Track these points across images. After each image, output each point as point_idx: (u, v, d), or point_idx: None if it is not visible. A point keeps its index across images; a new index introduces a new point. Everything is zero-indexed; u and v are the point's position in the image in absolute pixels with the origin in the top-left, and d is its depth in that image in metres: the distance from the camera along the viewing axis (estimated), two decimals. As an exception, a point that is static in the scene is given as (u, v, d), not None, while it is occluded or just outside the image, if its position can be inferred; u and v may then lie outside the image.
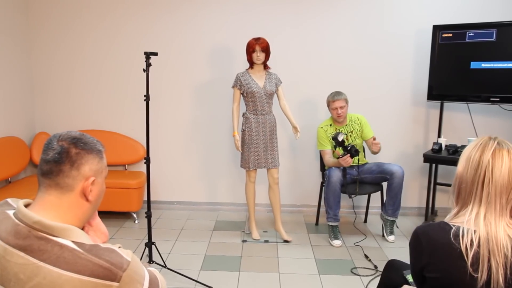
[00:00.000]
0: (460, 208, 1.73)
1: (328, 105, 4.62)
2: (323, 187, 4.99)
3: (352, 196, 4.54)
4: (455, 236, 1.61)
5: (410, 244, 1.79)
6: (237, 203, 5.56)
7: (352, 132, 4.69)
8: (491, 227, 1.60)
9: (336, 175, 4.42)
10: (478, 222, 1.63)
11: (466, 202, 1.70)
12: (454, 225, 1.65)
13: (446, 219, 1.75)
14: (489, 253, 1.57)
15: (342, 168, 4.49)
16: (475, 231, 1.60)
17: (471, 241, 1.59)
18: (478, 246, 1.58)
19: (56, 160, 1.36)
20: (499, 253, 1.56)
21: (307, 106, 5.34)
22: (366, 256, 4.21)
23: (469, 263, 1.57)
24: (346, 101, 4.57)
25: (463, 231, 1.61)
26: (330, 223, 4.55)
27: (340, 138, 4.25)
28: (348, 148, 4.30)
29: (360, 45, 5.23)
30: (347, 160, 4.30)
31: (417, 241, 1.73)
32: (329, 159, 4.66)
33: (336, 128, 4.67)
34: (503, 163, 1.64)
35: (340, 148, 4.37)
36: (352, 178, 4.61)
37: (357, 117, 4.74)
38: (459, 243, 1.60)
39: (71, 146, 1.38)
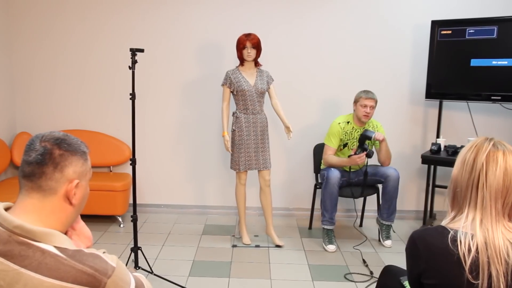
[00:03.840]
0: (456, 214, 1.73)
1: (357, 101, 4.55)
2: (318, 189, 5.01)
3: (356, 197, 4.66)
4: (453, 241, 1.61)
5: (406, 250, 1.80)
6: (227, 206, 5.57)
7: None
8: (489, 233, 1.60)
9: (335, 176, 4.42)
10: (474, 228, 1.63)
11: (461, 207, 1.70)
12: (451, 230, 1.65)
13: (443, 223, 1.75)
14: (489, 260, 1.56)
15: (349, 168, 4.60)
16: (472, 236, 1.61)
17: (469, 246, 1.59)
18: (477, 252, 1.58)
19: (38, 162, 1.36)
20: (499, 260, 1.56)
21: (300, 105, 5.35)
22: (364, 261, 4.23)
23: (467, 270, 1.57)
24: (376, 102, 4.54)
25: (460, 236, 1.61)
26: (325, 227, 4.56)
27: (370, 135, 4.36)
28: (367, 147, 4.41)
29: (355, 41, 5.26)
30: (363, 158, 4.40)
31: (414, 246, 1.73)
32: (330, 155, 4.64)
33: (353, 127, 4.65)
34: (497, 166, 1.63)
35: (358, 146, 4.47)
36: (347, 181, 4.62)
37: (376, 124, 4.73)
38: (457, 249, 1.60)
39: (54, 147, 1.38)
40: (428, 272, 1.69)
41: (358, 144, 4.47)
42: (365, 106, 4.48)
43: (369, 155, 4.40)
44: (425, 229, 1.73)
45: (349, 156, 4.49)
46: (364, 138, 4.39)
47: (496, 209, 1.63)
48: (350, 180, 4.62)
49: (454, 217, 1.73)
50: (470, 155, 1.69)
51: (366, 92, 4.52)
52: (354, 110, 4.62)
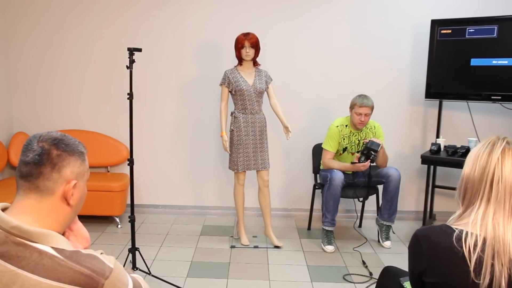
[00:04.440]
0: (465, 208, 1.72)
1: (352, 107, 4.54)
2: (317, 190, 5.01)
3: (360, 199, 4.64)
4: (458, 239, 1.62)
5: (409, 248, 1.81)
6: (225, 207, 5.57)
7: (366, 139, 4.67)
8: (499, 227, 1.61)
9: (338, 178, 4.42)
10: (485, 221, 1.63)
11: (472, 201, 1.69)
12: (457, 228, 1.66)
13: (449, 222, 1.75)
14: (494, 255, 1.56)
15: (352, 172, 4.63)
16: (479, 233, 1.61)
17: (475, 243, 1.59)
18: (482, 249, 1.58)
19: (36, 162, 1.36)
20: (505, 255, 1.56)
21: (299, 105, 5.35)
22: (364, 262, 4.23)
23: (472, 267, 1.57)
24: (372, 108, 4.50)
25: (466, 234, 1.61)
26: (327, 228, 4.56)
27: (376, 148, 4.33)
28: (371, 157, 4.37)
29: (354, 40, 5.27)
30: (367, 165, 4.41)
31: (417, 244, 1.74)
32: (330, 160, 4.64)
33: (351, 131, 4.64)
34: None
35: (360, 153, 4.44)
36: (347, 182, 4.61)
37: (374, 125, 4.72)
38: (462, 246, 1.60)
39: (52, 148, 1.38)
40: (430, 271, 1.69)
41: (361, 153, 4.43)
42: (360, 114, 4.47)
43: (372, 161, 4.41)
44: (429, 227, 1.73)
45: (352, 163, 4.49)
46: (369, 150, 4.36)
47: (510, 204, 1.63)
48: (354, 181, 4.63)
49: (463, 212, 1.73)
50: (484, 151, 1.69)
51: (361, 98, 4.47)
52: (350, 115, 4.63)
